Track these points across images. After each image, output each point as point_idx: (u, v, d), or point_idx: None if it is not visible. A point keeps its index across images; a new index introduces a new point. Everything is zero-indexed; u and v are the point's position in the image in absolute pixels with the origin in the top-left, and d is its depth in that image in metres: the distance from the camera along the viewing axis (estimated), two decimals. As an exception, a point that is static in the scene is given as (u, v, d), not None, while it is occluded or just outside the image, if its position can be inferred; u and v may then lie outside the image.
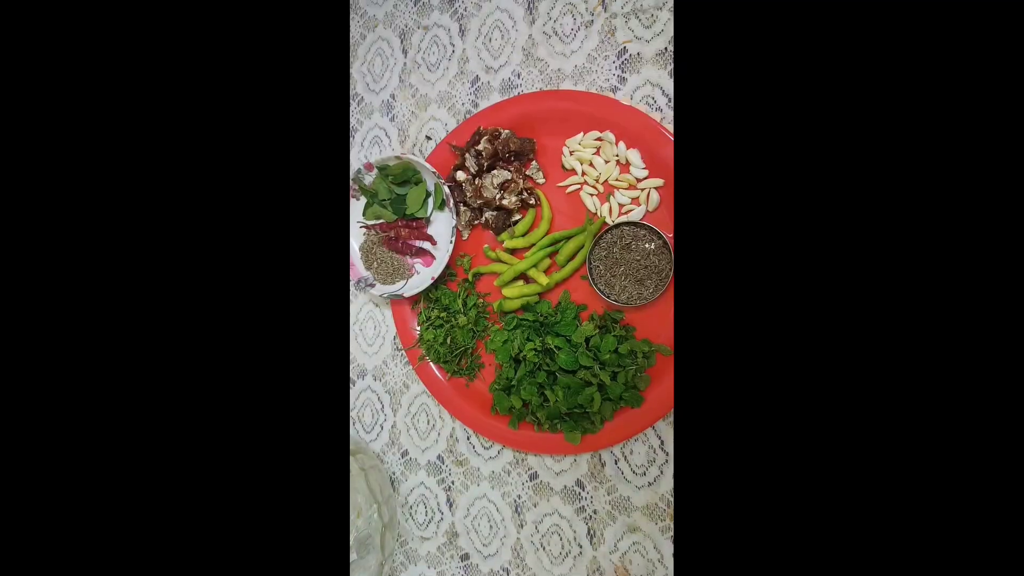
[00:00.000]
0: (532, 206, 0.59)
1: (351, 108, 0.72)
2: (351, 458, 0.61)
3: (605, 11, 0.57)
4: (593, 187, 0.56)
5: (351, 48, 0.72)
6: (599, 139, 0.55)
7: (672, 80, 0.53)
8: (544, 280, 0.56)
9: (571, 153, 0.57)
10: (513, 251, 0.59)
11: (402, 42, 0.68)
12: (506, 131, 0.58)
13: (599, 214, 0.56)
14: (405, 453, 0.67)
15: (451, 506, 0.64)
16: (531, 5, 0.60)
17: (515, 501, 0.60)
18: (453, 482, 0.64)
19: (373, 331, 0.69)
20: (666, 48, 0.54)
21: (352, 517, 0.59)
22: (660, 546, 0.53)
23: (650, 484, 0.54)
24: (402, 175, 0.62)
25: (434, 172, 0.60)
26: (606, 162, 0.55)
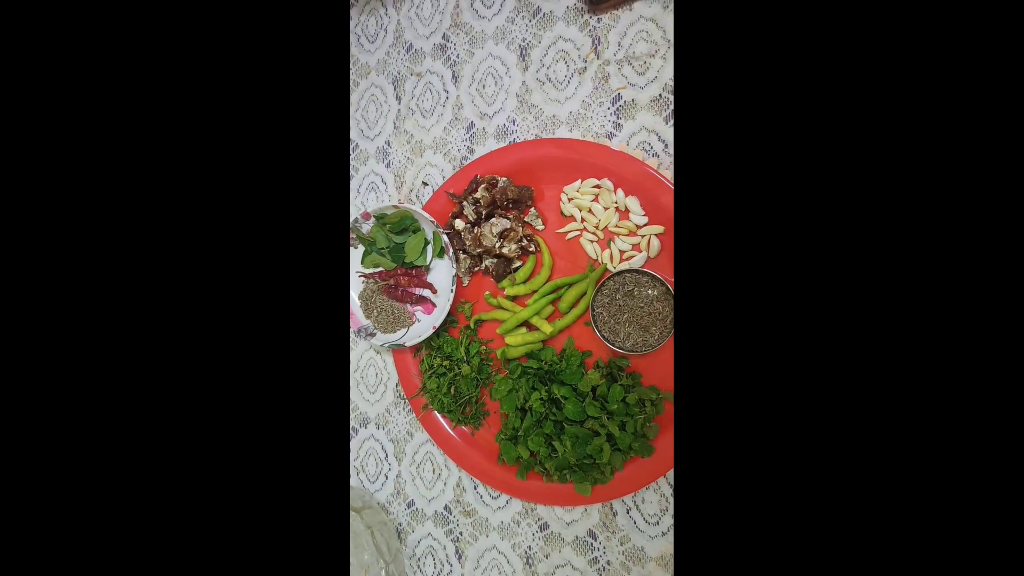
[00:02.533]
0: (532, 253, 0.59)
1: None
2: (357, 515, 0.60)
3: (598, 58, 0.57)
4: (593, 233, 0.56)
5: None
6: (597, 186, 0.55)
7: (668, 126, 0.54)
8: (548, 328, 0.55)
9: (569, 200, 0.57)
10: (515, 298, 0.59)
11: (395, 89, 0.68)
12: (503, 179, 0.58)
13: (600, 260, 0.56)
14: (411, 503, 0.66)
15: (460, 558, 0.62)
16: (524, 52, 0.61)
17: (526, 552, 0.59)
18: (461, 533, 0.62)
19: (375, 379, 0.68)
20: (660, 94, 0.54)
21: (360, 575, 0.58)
22: (676, 597, 0.52)
23: (664, 534, 0.53)
24: (400, 223, 0.62)
25: (432, 221, 0.59)
26: (605, 209, 0.55)
